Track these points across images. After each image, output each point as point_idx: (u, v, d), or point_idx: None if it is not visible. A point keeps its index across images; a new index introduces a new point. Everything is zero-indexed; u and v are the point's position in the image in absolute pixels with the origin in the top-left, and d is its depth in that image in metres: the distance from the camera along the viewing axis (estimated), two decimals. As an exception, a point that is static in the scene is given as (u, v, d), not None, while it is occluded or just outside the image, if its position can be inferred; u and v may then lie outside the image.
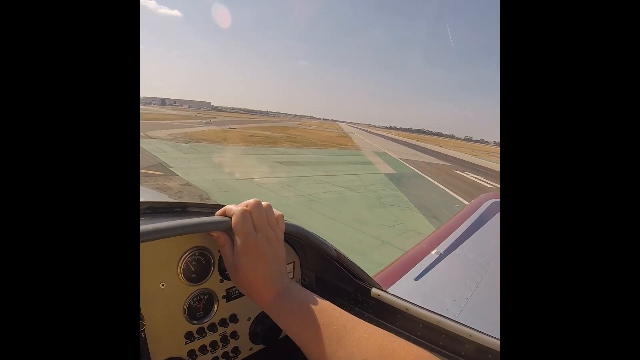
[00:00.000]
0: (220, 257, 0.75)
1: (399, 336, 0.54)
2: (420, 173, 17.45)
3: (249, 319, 0.83)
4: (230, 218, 0.62)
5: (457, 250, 2.01)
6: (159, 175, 9.66)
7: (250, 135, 28.37)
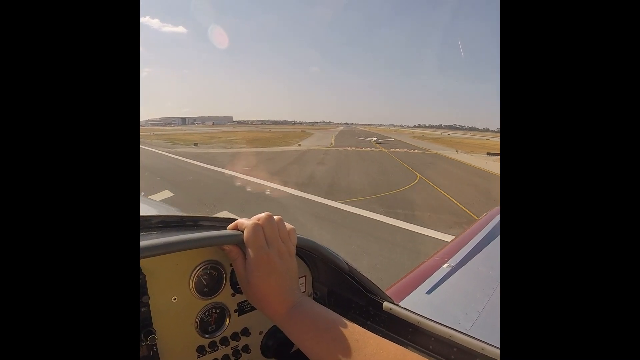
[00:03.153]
0: (232, 270, 0.75)
1: (411, 350, 0.54)
2: None
3: (260, 333, 0.83)
4: (242, 232, 0.63)
5: (469, 263, 1.99)
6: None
7: None
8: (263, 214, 0.65)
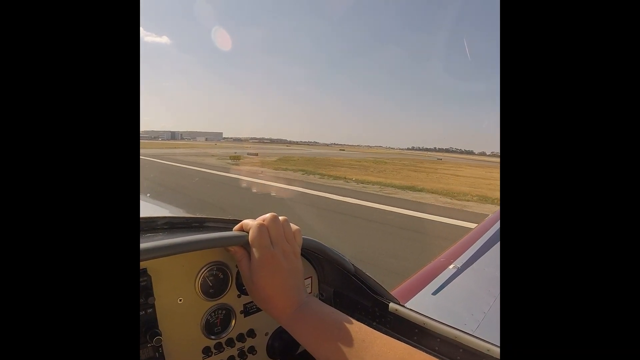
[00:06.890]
0: (238, 272, 0.75)
1: None
2: None
3: (266, 334, 0.83)
4: (248, 232, 0.63)
5: (475, 264, 1.98)
6: None
7: None
8: (268, 215, 0.65)
